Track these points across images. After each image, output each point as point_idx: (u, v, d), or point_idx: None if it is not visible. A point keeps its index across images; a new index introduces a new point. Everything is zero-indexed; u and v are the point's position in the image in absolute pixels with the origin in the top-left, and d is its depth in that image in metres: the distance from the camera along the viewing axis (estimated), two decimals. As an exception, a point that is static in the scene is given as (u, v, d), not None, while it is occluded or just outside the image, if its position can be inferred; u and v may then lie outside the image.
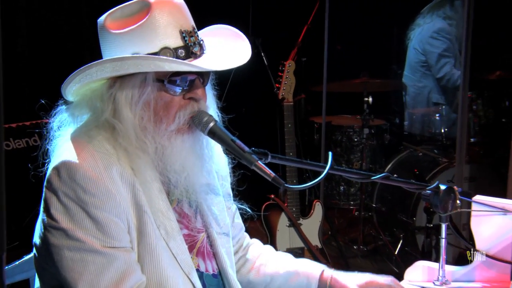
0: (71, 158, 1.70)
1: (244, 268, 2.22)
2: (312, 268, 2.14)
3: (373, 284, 2.06)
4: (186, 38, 1.76)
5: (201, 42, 1.82)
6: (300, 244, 4.20)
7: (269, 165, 1.79)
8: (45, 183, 1.73)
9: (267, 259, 2.22)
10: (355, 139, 5.50)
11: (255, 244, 2.31)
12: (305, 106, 6.11)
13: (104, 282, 1.67)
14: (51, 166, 1.73)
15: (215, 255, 2.00)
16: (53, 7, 4.76)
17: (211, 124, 1.80)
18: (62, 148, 1.76)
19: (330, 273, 2.11)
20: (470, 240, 2.26)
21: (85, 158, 1.70)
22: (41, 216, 1.75)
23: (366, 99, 5.30)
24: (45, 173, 1.75)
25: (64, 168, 1.69)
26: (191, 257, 1.89)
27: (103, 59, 1.77)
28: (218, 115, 1.95)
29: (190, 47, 1.77)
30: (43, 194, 1.73)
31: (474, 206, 2.21)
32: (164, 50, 1.73)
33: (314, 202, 4.40)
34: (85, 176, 1.68)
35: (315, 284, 2.09)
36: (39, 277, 1.88)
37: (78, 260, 1.67)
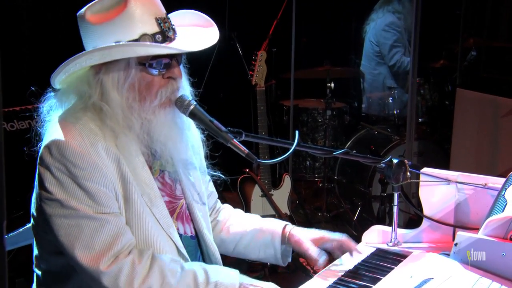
0: (60, 137, 1.67)
1: (216, 228, 2.22)
2: (275, 225, 2.15)
3: (326, 240, 2.07)
4: (161, 24, 1.75)
5: (173, 26, 1.81)
6: (272, 212, 4.21)
7: (243, 142, 1.79)
8: (38, 160, 1.71)
9: (236, 220, 2.23)
10: (319, 120, 5.49)
11: (226, 208, 2.31)
12: (276, 91, 6.08)
13: (99, 243, 1.66)
14: (43, 145, 1.71)
15: (192, 219, 2.00)
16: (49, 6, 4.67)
17: (191, 107, 1.79)
18: (52, 129, 1.74)
19: (290, 228, 2.13)
20: (419, 206, 2.27)
21: (73, 137, 1.68)
22: (36, 190, 1.72)
23: (329, 84, 5.30)
24: (38, 152, 1.72)
25: (54, 146, 1.66)
26: (172, 221, 1.89)
27: (92, 49, 1.73)
28: (191, 92, 1.93)
29: (166, 32, 1.76)
30: (37, 170, 1.71)
31: (422, 177, 2.22)
32: (144, 37, 1.72)
33: (284, 175, 4.40)
34: (74, 152, 1.66)
35: (278, 239, 2.11)
36: (37, 245, 1.86)
37: (74, 225, 1.65)
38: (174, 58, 1.79)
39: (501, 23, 5.99)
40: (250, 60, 4.36)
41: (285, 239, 2.10)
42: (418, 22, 3.77)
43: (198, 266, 1.78)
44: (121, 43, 1.70)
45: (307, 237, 2.06)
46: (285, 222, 2.17)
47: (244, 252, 2.20)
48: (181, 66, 1.88)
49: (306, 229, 2.12)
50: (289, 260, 2.15)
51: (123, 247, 1.69)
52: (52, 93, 1.83)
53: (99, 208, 1.68)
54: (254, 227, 2.17)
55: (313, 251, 1.99)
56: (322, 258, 1.97)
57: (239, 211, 2.31)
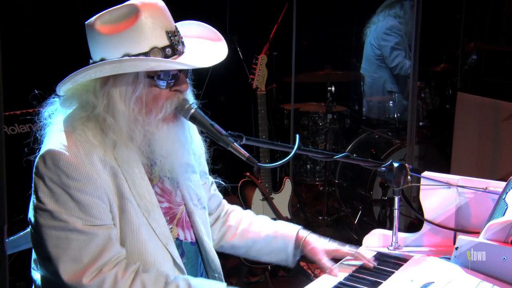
0: (55, 147, 1.67)
1: (228, 234, 2.23)
2: (288, 230, 2.17)
3: (340, 254, 2.09)
4: (171, 38, 1.74)
5: (182, 39, 1.80)
6: (272, 215, 4.20)
7: (244, 146, 1.78)
8: (33, 169, 1.71)
9: (249, 224, 2.23)
10: (320, 124, 5.49)
11: (236, 211, 2.31)
12: (276, 95, 6.08)
13: (86, 257, 1.65)
14: (39, 154, 1.70)
15: (192, 225, 2.00)
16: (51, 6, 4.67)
17: (192, 111, 1.79)
18: (48, 138, 1.74)
19: (304, 234, 2.15)
20: (419, 210, 2.27)
21: (68, 147, 1.67)
22: (31, 198, 1.72)
23: (329, 88, 5.29)
24: (35, 160, 1.72)
25: (49, 156, 1.66)
26: (172, 228, 1.89)
27: (100, 58, 1.73)
28: (194, 100, 1.92)
29: (175, 45, 1.75)
30: (32, 179, 1.70)
31: (422, 181, 2.22)
32: (154, 50, 1.71)
33: (284, 179, 4.40)
34: (68, 163, 1.65)
35: (291, 245, 2.13)
36: (34, 249, 1.85)
37: (63, 238, 1.66)
38: (182, 70, 1.79)
39: (502, 27, 5.99)
40: (251, 63, 4.36)
41: (299, 245, 2.13)
42: (419, 26, 3.79)
43: (182, 281, 1.77)
44: (132, 57, 1.69)
45: (321, 247, 2.09)
46: (298, 227, 2.19)
47: (256, 256, 2.23)
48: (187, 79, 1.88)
49: (320, 237, 2.15)
50: (296, 260, 2.18)
51: (109, 260, 1.69)
52: (55, 99, 1.82)
53: (90, 220, 1.67)
54: (267, 233, 2.18)
55: (326, 262, 2.03)
56: (334, 267, 2.02)
57: (249, 213, 2.31)
